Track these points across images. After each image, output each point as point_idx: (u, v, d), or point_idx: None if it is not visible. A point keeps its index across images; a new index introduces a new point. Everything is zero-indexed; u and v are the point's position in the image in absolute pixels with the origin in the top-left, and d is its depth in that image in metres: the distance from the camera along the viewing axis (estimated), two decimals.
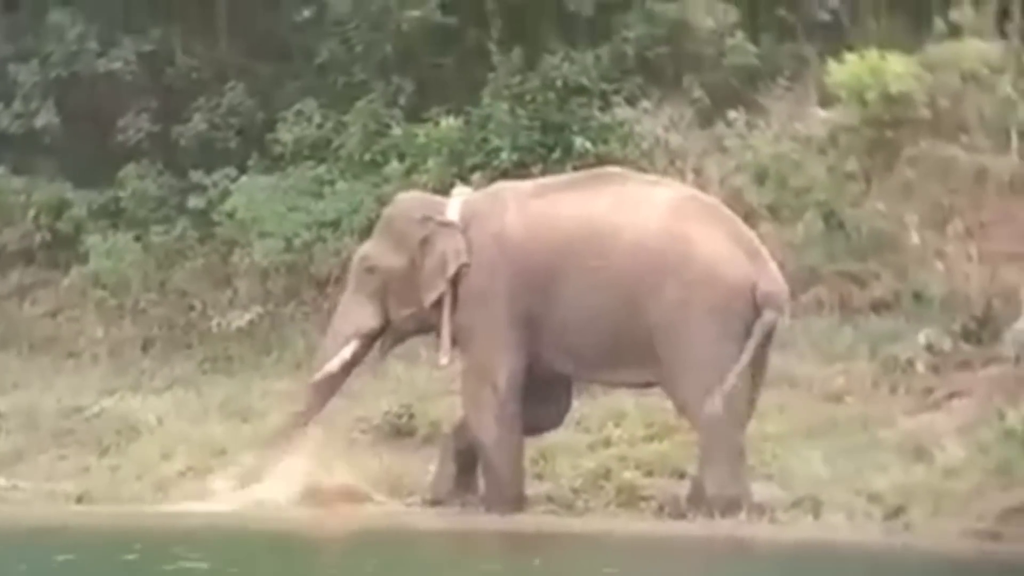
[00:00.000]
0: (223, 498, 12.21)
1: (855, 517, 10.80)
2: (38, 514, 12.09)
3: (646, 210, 11.30)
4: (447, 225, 11.55)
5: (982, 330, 12.37)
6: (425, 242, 11.59)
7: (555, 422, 11.96)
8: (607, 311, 11.14)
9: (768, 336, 11.05)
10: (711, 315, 10.93)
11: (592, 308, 11.17)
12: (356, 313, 11.91)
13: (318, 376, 11.97)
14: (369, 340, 11.95)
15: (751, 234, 11.45)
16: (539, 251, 11.33)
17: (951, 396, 12.02)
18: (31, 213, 15.92)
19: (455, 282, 11.54)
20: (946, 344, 12.31)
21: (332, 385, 12.01)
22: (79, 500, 12.64)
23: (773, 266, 11.22)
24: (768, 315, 10.97)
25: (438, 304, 11.58)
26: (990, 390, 11.75)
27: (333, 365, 11.90)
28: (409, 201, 12.18)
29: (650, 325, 11.03)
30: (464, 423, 11.79)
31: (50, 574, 9.10)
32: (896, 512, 10.77)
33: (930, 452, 11.23)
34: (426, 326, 11.84)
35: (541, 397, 11.61)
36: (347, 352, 11.86)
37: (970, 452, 11.08)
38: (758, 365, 11.08)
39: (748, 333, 10.97)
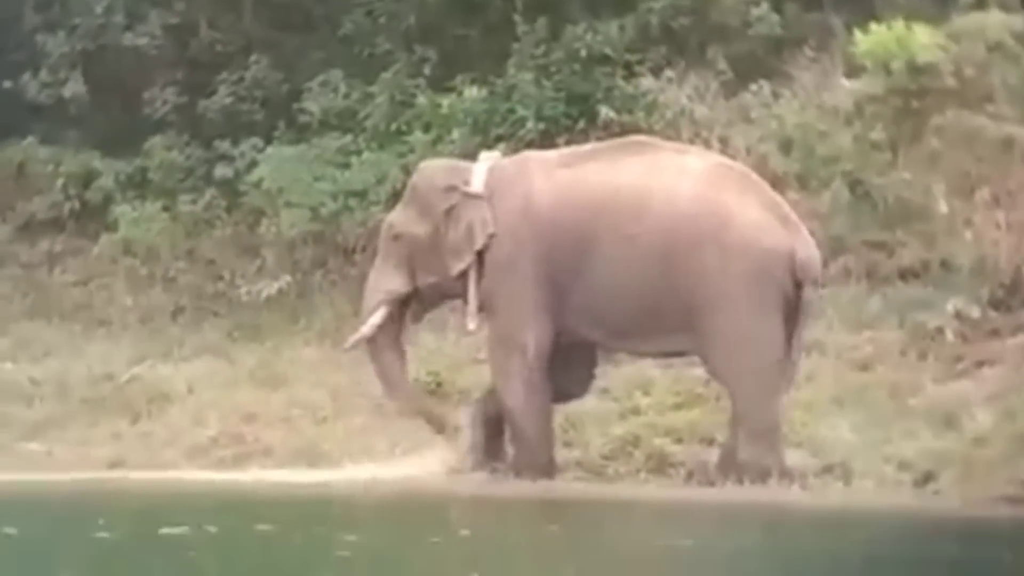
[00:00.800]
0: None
1: (885, 484, 10.86)
2: (75, 479, 12.20)
3: (678, 177, 11.31)
4: (474, 196, 11.58)
5: (1011, 298, 12.39)
6: (450, 212, 11.63)
7: (581, 390, 11.99)
8: (639, 279, 11.14)
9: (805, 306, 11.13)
10: (749, 282, 10.96)
11: (624, 276, 11.18)
12: (384, 280, 11.98)
13: (351, 342, 12.13)
14: (400, 305, 12.01)
15: (783, 203, 11.50)
16: (568, 219, 11.34)
17: (980, 364, 12.04)
18: (60, 182, 16.03)
19: (481, 250, 11.59)
20: (975, 312, 12.32)
21: (386, 354, 12.03)
22: (112, 466, 12.77)
23: (806, 233, 11.27)
24: (809, 291, 11.06)
25: (464, 272, 11.64)
26: (1019, 358, 11.79)
27: (365, 330, 11.98)
28: (434, 169, 12.20)
29: (684, 292, 11.05)
30: (492, 390, 11.85)
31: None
32: (925, 479, 10.82)
33: (959, 419, 11.27)
34: (454, 293, 11.90)
35: (567, 365, 11.65)
36: (377, 317, 11.91)
37: (999, 419, 11.10)
38: (794, 333, 11.13)
39: (785, 299, 11.02)
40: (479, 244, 11.52)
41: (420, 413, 12.35)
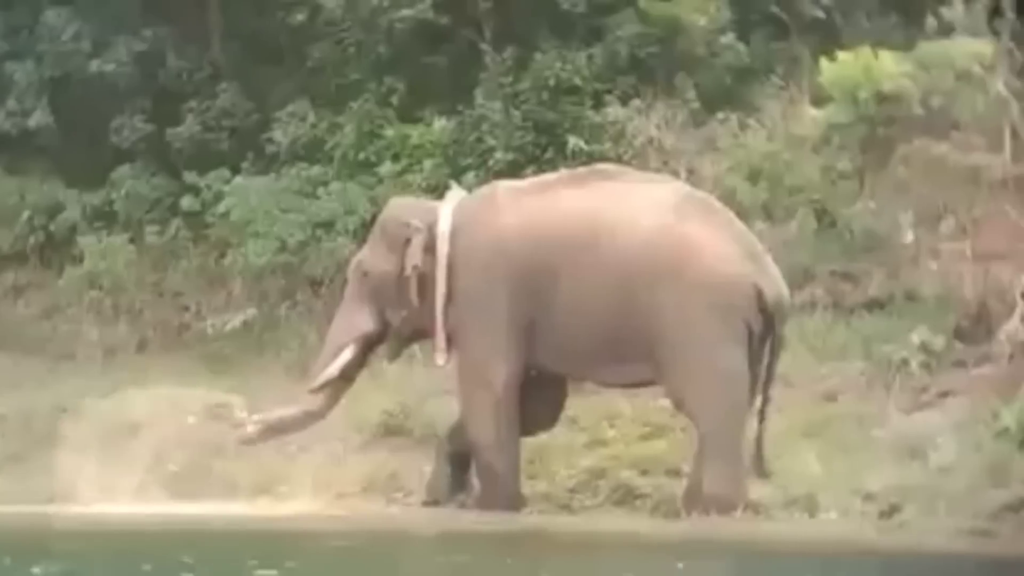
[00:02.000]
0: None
1: (850, 516, 10.87)
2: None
3: (645, 209, 11.30)
4: (417, 230, 11.57)
5: (975, 329, 12.42)
6: (407, 245, 11.63)
7: (549, 422, 11.99)
8: (605, 310, 11.14)
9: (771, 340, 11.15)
10: (712, 313, 10.95)
11: (590, 307, 11.17)
12: (353, 318, 11.93)
13: (318, 382, 11.93)
14: (367, 344, 11.96)
15: (750, 234, 11.49)
16: (535, 249, 11.34)
17: (945, 395, 12.06)
18: (25, 214, 15.94)
19: (450, 282, 11.55)
20: (939, 343, 12.35)
21: (339, 389, 11.99)
22: (73, 500, 12.65)
23: (773, 266, 11.26)
24: (777, 324, 11.08)
25: (432, 306, 11.59)
26: (984, 389, 11.79)
27: (332, 370, 11.89)
28: (400, 207, 12.20)
29: (647, 323, 11.04)
30: (460, 424, 11.80)
31: None
32: (891, 511, 10.82)
33: (924, 451, 11.29)
34: (423, 328, 11.85)
35: (536, 398, 11.63)
36: (345, 356, 11.86)
37: (964, 450, 11.12)
38: (756, 366, 11.13)
39: (749, 332, 11.02)
40: (407, 273, 11.49)
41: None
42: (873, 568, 9.67)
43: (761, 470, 11.18)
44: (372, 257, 11.92)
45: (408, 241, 11.62)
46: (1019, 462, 10.71)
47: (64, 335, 15.41)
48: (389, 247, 11.80)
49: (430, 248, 11.60)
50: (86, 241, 15.52)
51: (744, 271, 11.05)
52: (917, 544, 10.24)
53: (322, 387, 11.90)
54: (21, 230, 15.95)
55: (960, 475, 10.87)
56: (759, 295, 11.01)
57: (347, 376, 11.93)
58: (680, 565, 9.59)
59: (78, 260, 15.57)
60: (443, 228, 11.64)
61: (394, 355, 12.24)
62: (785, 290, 11.27)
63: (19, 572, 8.94)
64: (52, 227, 15.89)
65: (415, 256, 11.54)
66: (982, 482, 10.72)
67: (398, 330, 11.90)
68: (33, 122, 15.89)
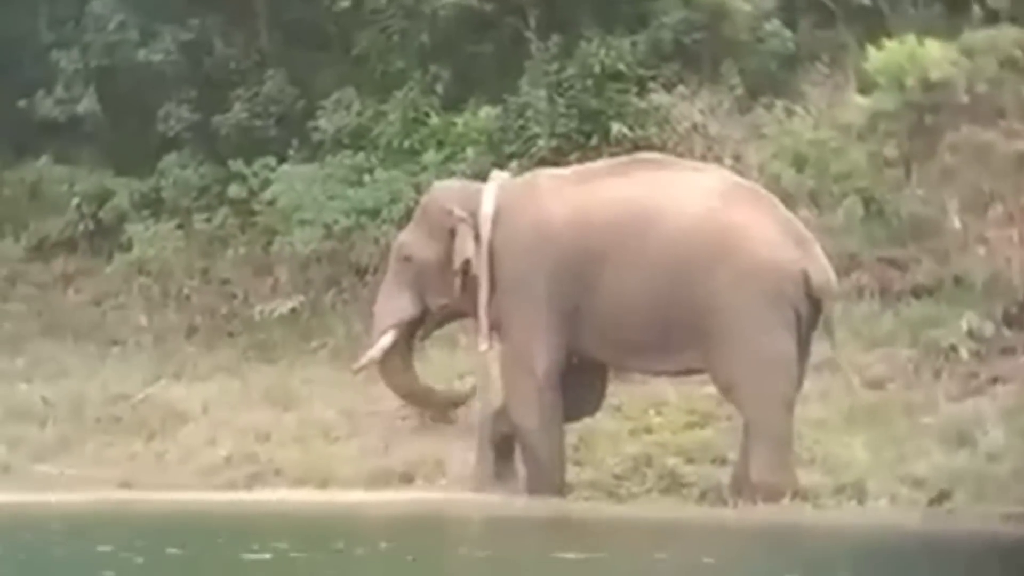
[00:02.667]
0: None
1: (899, 502, 10.84)
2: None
3: (691, 195, 11.29)
4: (462, 220, 11.59)
5: None
6: (452, 234, 11.66)
7: (592, 409, 11.99)
8: (650, 296, 11.12)
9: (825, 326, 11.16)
10: (761, 301, 10.93)
11: (636, 294, 11.16)
12: (394, 302, 12.00)
13: (361, 363, 12.18)
14: (411, 327, 12.04)
15: (796, 220, 11.48)
16: (580, 237, 11.33)
17: (994, 381, 12.01)
18: (74, 202, 16.05)
19: (493, 268, 11.59)
20: (988, 329, 12.29)
21: (397, 370, 12.09)
22: (125, 487, 12.77)
23: (821, 253, 11.23)
24: (828, 308, 11.08)
25: (475, 291, 11.63)
26: None
27: (374, 353, 12.03)
28: (443, 190, 12.23)
29: (695, 311, 11.02)
30: (503, 410, 11.84)
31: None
32: (939, 497, 10.78)
33: (973, 437, 11.24)
34: (464, 313, 11.91)
35: (577, 384, 11.64)
36: (387, 340, 11.96)
37: (1013, 437, 11.08)
38: (804, 352, 11.13)
39: (797, 318, 11.01)
40: (456, 267, 11.54)
41: (454, 403, 12.63)
42: (922, 554, 9.65)
43: None
44: (414, 241, 11.96)
45: (452, 232, 11.64)
46: None
47: (113, 322, 15.50)
48: (431, 233, 11.84)
49: (475, 235, 11.62)
50: (134, 228, 15.61)
51: (791, 257, 11.03)
52: (966, 530, 10.23)
53: (363, 368, 12.16)
54: (70, 218, 16.06)
55: (1009, 461, 10.84)
56: (807, 281, 10.99)
57: (402, 357, 12.02)
58: (727, 553, 9.62)
59: (127, 247, 15.65)
60: (486, 212, 11.65)
61: (427, 334, 12.32)
62: (832, 275, 11.24)
63: (76, 559, 9.03)
64: (101, 215, 15.98)
65: (466, 249, 11.55)
66: None
67: (436, 313, 11.98)
68: (81, 109, 15.98)
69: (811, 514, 10.75)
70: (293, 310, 14.79)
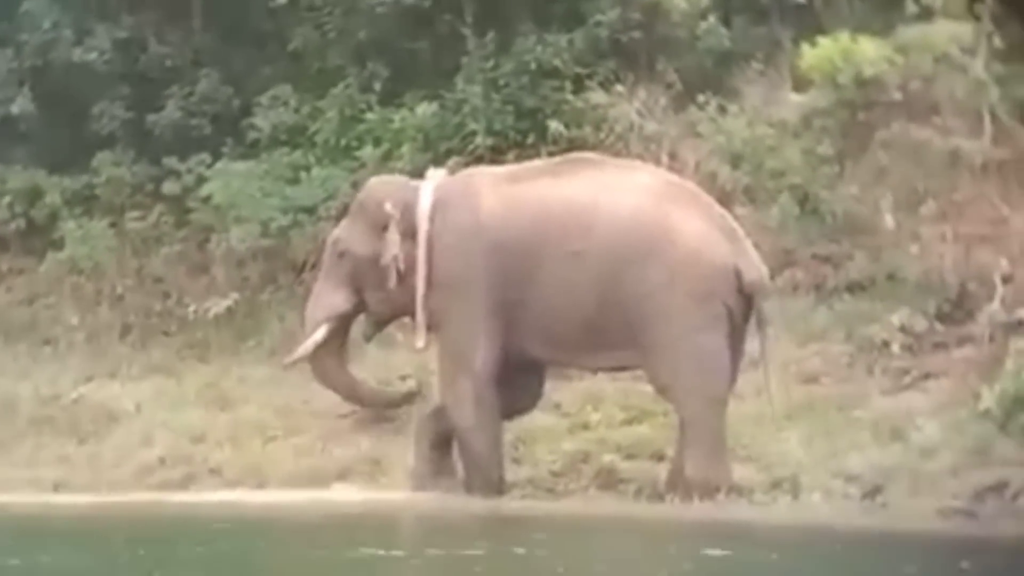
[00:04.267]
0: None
1: (833, 497, 10.93)
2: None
3: (624, 194, 11.36)
4: (391, 216, 11.61)
5: (956, 311, 12.46)
6: (384, 230, 11.65)
7: (529, 406, 12.03)
8: (584, 295, 11.19)
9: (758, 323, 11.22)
10: (693, 298, 11.02)
11: (570, 292, 11.23)
12: (327, 297, 12.00)
13: (292, 358, 12.24)
14: (344, 322, 12.03)
15: (730, 218, 11.54)
16: (515, 236, 11.37)
17: (926, 376, 12.11)
18: (5, 200, 15.82)
19: (429, 267, 11.57)
20: (921, 325, 12.40)
21: (330, 359, 12.03)
22: (58, 488, 12.67)
23: (753, 250, 11.33)
24: (760, 305, 11.15)
25: (412, 288, 11.61)
26: (965, 370, 11.84)
27: (305, 348, 12.02)
28: (379, 186, 12.23)
29: (629, 308, 11.09)
30: (440, 407, 11.83)
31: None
32: (873, 492, 10.89)
33: (906, 432, 11.33)
34: (402, 310, 11.88)
35: (515, 382, 11.68)
36: (319, 335, 11.95)
37: (946, 432, 11.17)
38: (737, 348, 11.19)
39: (730, 314, 11.08)
40: (385, 263, 11.55)
41: (389, 403, 12.61)
42: (856, 549, 9.72)
43: None
44: (349, 237, 11.96)
45: (385, 227, 11.63)
46: (1001, 443, 10.76)
47: (45, 321, 15.30)
48: (367, 228, 11.84)
49: (408, 231, 11.62)
50: (67, 227, 15.44)
51: (722, 253, 11.11)
52: (899, 525, 10.31)
53: (293, 363, 12.18)
54: (2, 216, 15.85)
55: (942, 456, 10.93)
56: (738, 277, 11.08)
57: (335, 353, 11.97)
58: (664, 548, 9.64)
59: (59, 246, 15.49)
60: (423, 209, 11.66)
61: (371, 335, 12.30)
62: (765, 271, 11.35)
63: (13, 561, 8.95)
64: (33, 213, 15.78)
65: (393, 245, 11.56)
66: (964, 463, 10.79)
67: (375, 311, 11.93)
68: (15, 109, 15.80)
69: (746, 509, 10.81)
70: (229, 308, 14.68)
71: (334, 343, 12.00)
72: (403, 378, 12.95)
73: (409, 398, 12.56)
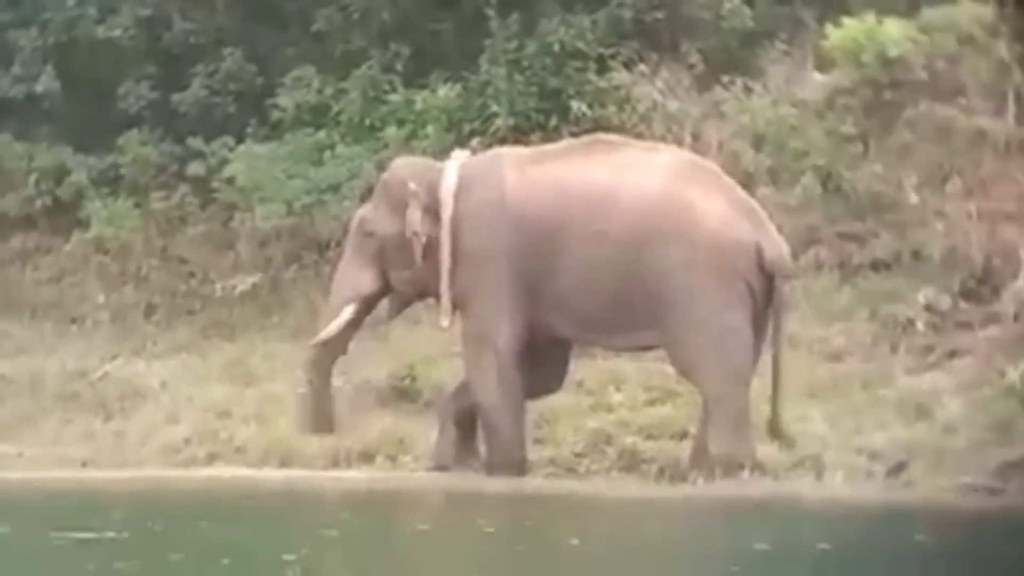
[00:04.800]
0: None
1: (856, 475, 10.93)
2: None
3: (646, 175, 11.38)
4: (414, 194, 11.63)
5: (981, 288, 12.46)
6: (406, 209, 11.68)
7: (554, 386, 12.04)
8: (608, 274, 11.22)
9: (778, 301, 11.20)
10: (715, 277, 11.04)
11: (593, 273, 11.26)
12: (354, 276, 12.04)
13: (318, 339, 12.14)
14: (368, 303, 12.05)
15: (750, 197, 11.55)
16: (539, 216, 11.40)
17: (951, 354, 12.11)
18: (32, 179, 15.87)
19: (454, 243, 11.60)
20: (945, 303, 12.40)
21: (335, 348, 12.08)
22: (85, 465, 12.73)
23: (774, 230, 11.34)
24: (781, 285, 11.13)
25: (437, 267, 11.64)
26: (989, 348, 11.85)
27: (332, 328, 12.04)
28: (404, 166, 12.27)
29: (652, 289, 11.12)
30: (464, 387, 11.86)
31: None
32: (897, 469, 10.90)
33: (930, 410, 11.36)
34: (427, 290, 11.92)
35: (540, 361, 11.70)
36: (346, 315, 11.98)
37: (969, 409, 11.19)
38: (760, 327, 11.19)
39: (752, 294, 11.09)
40: (408, 236, 11.56)
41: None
42: (881, 526, 9.73)
43: (778, 431, 11.21)
44: (375, 216, 11.99)
45: (407, 205, 11.66)
46: None
47: (71, 299, 15.35)
48: (391, 207, 11.87)
49: (432, 210, 11.65)
50: (93, 206, 15.48)
51: (745, 233, 11.12)
52: (923, 502, 10.32)
53: (322, 341, 12.08)
54: (28, 194, 15.88)
55: (966, 434, 10.96)
56: (760, 256, 11.09)
57: (347, 334, 12.01)
58: (686, 528, 9.66)
59: (85, 225, 15.54)
60: (447, 189, 11.68)
61: (395, 313, 12.33)
62: (787, 250, 11.34)
63: (40, 538, 9.00)
64: (59, 192, 15.83)
65: (414, 222, 11.58)
66: (987, 440, 10.81)
67: (399, 290, 11.96)
68: (40, 87, 15.84)
69: (770, 487, 10.83)
70: (253, 287, 14.71)
71: (352, 325, 12.02)
72: (426, 357, 12.87)
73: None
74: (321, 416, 12.31)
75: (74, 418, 13.54)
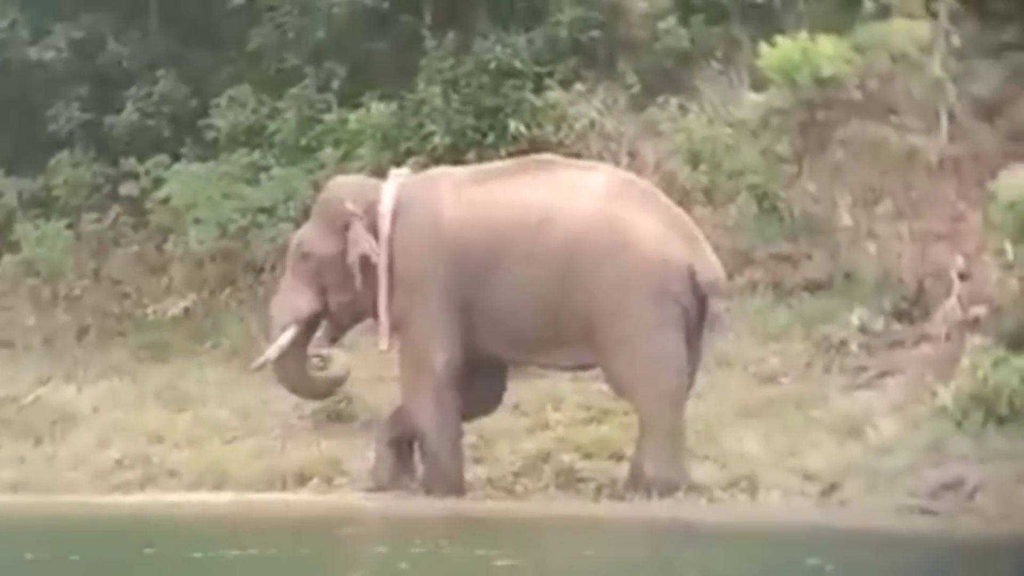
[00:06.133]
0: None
1: (791, 495, 10.94)
2: None
3: (581, 195, 11.37)
4: (354, 215, 11.57)
5: (913, 309, 12.52)
6: (348, 229, 11.61)
7: (492, 407, 12.03)
8: (543, 296, 11.21)
9: (711, 322, 11.22)
10: (649, 298, 11.03)
11: (527, 292, 11.24)
12: (292, 299, 11.93)
13: (259, 362, 12.09)
14: (309, 325, 11.96)
15: (687, 218, 11.57)
16: (475, 237, 11.38)
17: (884, 375, 12.15)
18: None
19: (391, 268, 11.56)
20: (878, 323, 12.45)
21: (293, 363, 11.97)
22: (15, 489, 12.60)
23: (709, 250, 11.34)
24: (714, 305, 11.14)
25: (375, 289, 11.59)
26: (922, 368, 11.90)
27: (272, 351, 11.94)
28: (341, 186, 12.19)
29: (587, 308, 11.11)
30: (401, 409, 11.81)
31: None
32: (831, 489, 10.91)
33: (864, 430, 11.37)
34: (365, 312, 11.85)
35: (477, 381, 11.67)
36: (284, 339, 11.88)
37: (903, 429, 11.23)
38: (694, 348, 11.21)
39: (685, 314, 11.10)
40: (351, 261, 11.49)
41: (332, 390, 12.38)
42: (814, 546, 9.71)
43: None
44: (312, 238, 11.92)
45: (347, 226, 11.60)
46: (957, 440, 10.84)
47: (2, 323, 15.28)
48: (328, 228, 11.79)
49: (371, 231, 11.60)
50: (23, 228, 15.38)
51: (678, 253, 11.13)
52: (857, 522, 10.32)
53: (261, 367, 12.02)
54: None
55: (899, 454, 10.98)
56: (693, 277, 11.10)
57: (298, 356, 11.92)
58: (624, 547, 9.64)
59: (16, 248, 15.44)
60: (385, 209, 11.64)
61: (334, 338, 12.22)
62: (721, 272, 11.36)
63: None
64: None
65: (362, 242, 11.51)
66: (921, 460, 10.84)
67: (336, 312, 11.89)
68: None
69: (705, 508, 10.82)
70: (187, 310, 14.66)
71: (298, 346, 11.94)
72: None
73: (341, 381, 12.30)
74: (314, 387, 12.24)
75: (5, 443, 13.41)
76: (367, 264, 11.53)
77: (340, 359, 12.15)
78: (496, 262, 11.32)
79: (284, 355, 11.93)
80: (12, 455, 13.26)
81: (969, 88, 13.60)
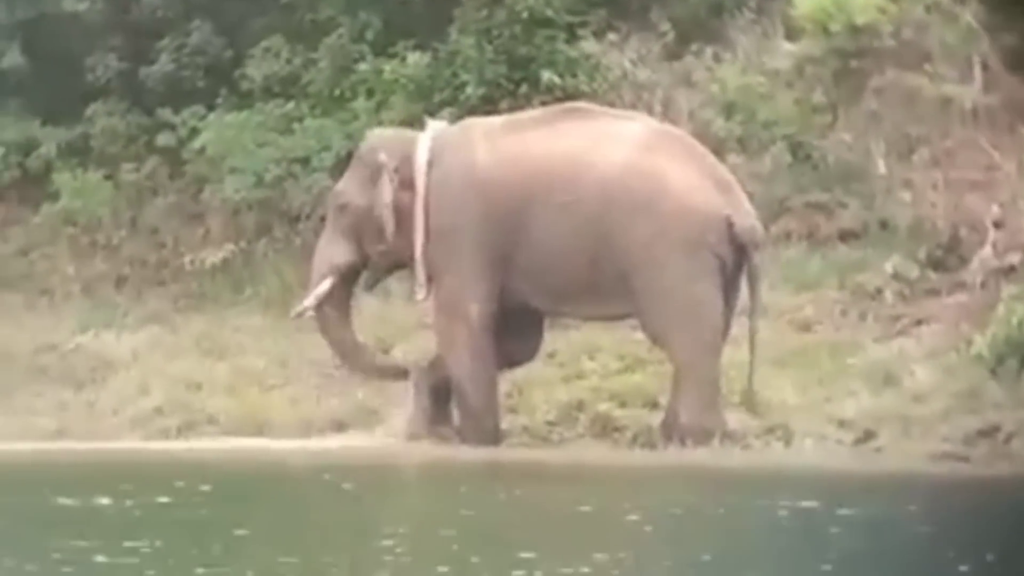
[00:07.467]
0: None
1: (826, 443, 11.02)
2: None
3: (616, 145, 11.39)
4: (384, 166, 11.64)
5: (948, 257, 12.54)
6: (380, 181, 11.70)
7: (528, 356, 12.08)
8: (578, 246, 11.25)
9: (747, 271, 11.26)
10: (684, 248, 11.08)
11: (563, 243, 11.28)
12: (330, 250, 12.03)
13: (297, 311, 12.20)
14: (347, 275, 12.04)
15: (723, 168, 11.59)
16: (509, 187, 11.41)
17: (918, 323, 12.19)
18: (0, 152, 15.86)
19: (426, 216, 11.62)
20: (913, 272, 12.48)
21: (337, 312, 12.03)
22: (56, 436, 12.74)
23: (745, 199, 11.37)
24: (753, 255, 11.16)
25: (411, 239, 11.66)
26: (957, 316, 11.93)
27: (310, 300, 12.05)
28: (377, 138, 12.26)
29: (622, 259, 11.15)
30: (437, 358, 11.90)
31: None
32: (866, 437, 11.00)
33: (898, 378, 11.43)
34: (401, 262, 11.94)
35: (514, 331, 11.73)
36: (323, 288, 11.97)
37: (938, 377, 11.28)
38: (731, 297, 11.25)
39: (722, 264, 11.14)
40: (375, 213, 11.58)
41: (381, 374, 12.40)
42: (849, 493, 9.80)
43: (751, 403, 11.28)
44: (349, 189, 12.00)
45: (380, 178, 11.68)
46: (991, 388, 10.88)
47: (41, 272, 15.35)
48: (364, 180, 11.87)
49: (405, 182, 11.65)
50: (62, 178, 15.44)
51: (714, 203, 11.16)
52: (892, 469, 10.41)
53: (300, 315, 12.14)
54: None
55: (934, 401, 11.05)
56: (730, 227, 11.12)
57: (339, 307, 11.97)
58: (657, 496, 9.72)
59: (54, 197, 15.49)
60: (421, 160, 11.69)
61: (371, 285, 12.34)
62: (757, 221, 11.38)
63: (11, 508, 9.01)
64: (27, 164, 15.77)
65: (385, 194, 11.59)
66: (955, 408, 10.91)
67: (376, 262, 11.98)
68: (5, 63, 15.77)
69: (739, 456, 10.90)
70: (224, 259, 14.71)
71: (340, 296, 12.02)
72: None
73: (399, 375, 12.26)
74: (361, 362, 12.30)
75: (45, 390, 13.54)
76: (400, 214, 11.60)
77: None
78: (530, 212, 11.37)
79: (326, 308, 12.01)
80: (53, 402, 13.40)
81: (1002, 38, 13.53)
